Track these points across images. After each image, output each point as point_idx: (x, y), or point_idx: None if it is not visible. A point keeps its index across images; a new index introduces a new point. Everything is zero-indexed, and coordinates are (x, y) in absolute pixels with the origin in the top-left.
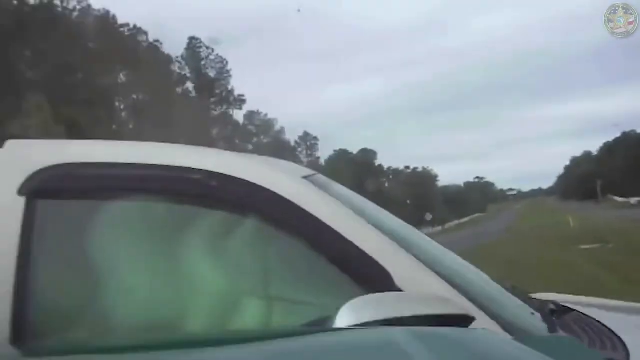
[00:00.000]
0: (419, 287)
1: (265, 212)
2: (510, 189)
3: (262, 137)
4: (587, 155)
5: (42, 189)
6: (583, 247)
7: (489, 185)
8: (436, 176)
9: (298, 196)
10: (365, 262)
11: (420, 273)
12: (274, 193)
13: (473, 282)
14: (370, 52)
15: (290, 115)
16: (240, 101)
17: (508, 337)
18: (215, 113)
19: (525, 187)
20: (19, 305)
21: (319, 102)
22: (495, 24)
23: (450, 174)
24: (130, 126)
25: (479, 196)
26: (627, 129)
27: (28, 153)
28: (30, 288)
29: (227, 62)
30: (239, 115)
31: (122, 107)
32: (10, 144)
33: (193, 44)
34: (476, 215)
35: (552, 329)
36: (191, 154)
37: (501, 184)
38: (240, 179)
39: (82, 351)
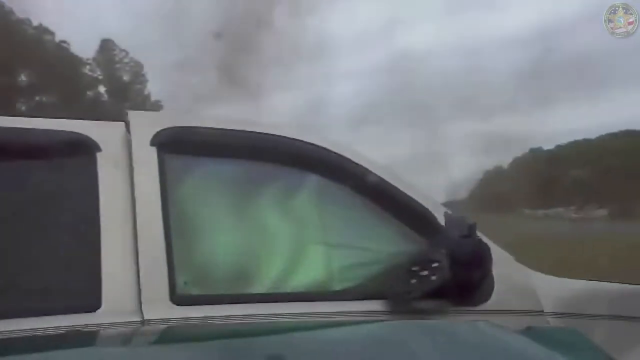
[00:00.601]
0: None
1: (329, 170)
2: None
3: None
4: (499, 169)
5: (168, 142)
6: None
7: None
8: None
9: (355, 156)
10: (415, 207)
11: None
12: (336, 154)
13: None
14: (296, 68)
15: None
16: (157, 107)
17: (510, 329)
18: None
19: (439, 199)
20: (167, 233)
21: (240, 113)
22: (417, 42)
23: None
24: None
25: None
26: (535, 146)
27: (150, 118)
28: (174, 219)
29: (142, 66)
30: None
31: (23, 108)
32: (132, 113)
33: (106, 46)
34: None
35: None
36: (272, 125)
37: None
38: (311, 143)
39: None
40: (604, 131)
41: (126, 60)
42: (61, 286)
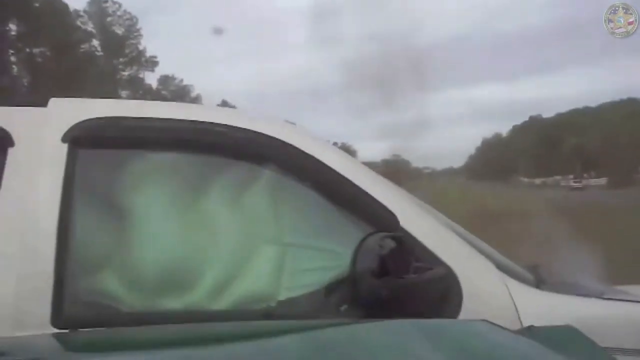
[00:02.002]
0: (423, 229)
1: (281, 162)
2: (426, 167)
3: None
4: (497, 137)
5: (81, 137)
6: None
7: (405, 163)
8: (355, 152)
9: (311, 147)
10: (373, 206)
11: (422, 216)
12: (289, 144)
13: (461, 232)
14: (296, 28)
15: (208, 84)
16: (152, 63)
17: (507, 328)
18: (125, 74)
19: (439, 166)
20: (61, 241)
21: (239, 73)
22: (417, 8)
23: (369, 149)
24: (25, 82)
25: (393, 173)
26: (535, 114)
27: (69, 108)
28: (72, 226)
29: (137, 20)
30: (151, 78)
31: (12, 59)
32: (53, 101)
33: None
34: None
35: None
36: (211, 111)
37: (416, 161)
38: (260, 132)
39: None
40: (605, 99)
41: (119, 13)
42: None
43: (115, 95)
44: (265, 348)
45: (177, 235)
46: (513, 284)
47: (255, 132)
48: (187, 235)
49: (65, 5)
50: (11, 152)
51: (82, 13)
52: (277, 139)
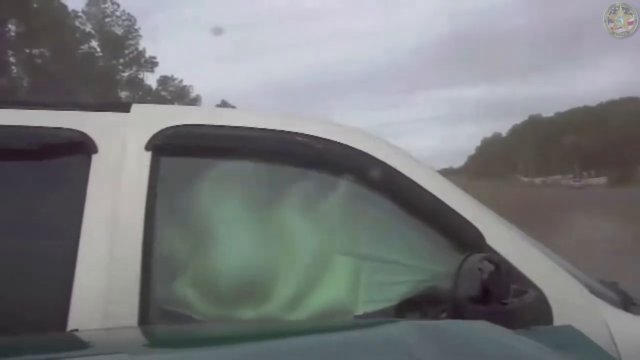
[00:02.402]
0: (509, 248)
1: (361, 174)
2: None
3: (176, 104)
4: (497, 136)
5: (164, 145)
6: None
7: None
8: None
9: (391, 159)
10: (457, 221)
11: (507, 233)
12: (371, 156)
13: (544, 250)
14: (291, 28)
15: (207, 84)
16: (152, 63)
17: (507, 329)
18: (125, 75)
19: (438, 166)
20: (146, 249)
21: (238, 72)
22: (419, 7)
23: None
24: (24, 83)
25: None
26: (534, 113)
27: (152, 115)
28: (156, 235)
29: (135, 20)
30: (151, 79)
31: (12, 60)
32: (135, 107)
33: None
34: None
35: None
36: (293, 121)
37: None
38: (341, 143)
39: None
40: (604, 98)
41: (118, 13)
42: (27, 303)
43: (115, 96)
44: (266, 348)
45: (256, 245)
46: (607, 309)
47: (336, 142)
48: (266, 245)
49: (64, 6)
50: (95, 158)
51: (80, 14)
52: (358, 149)
